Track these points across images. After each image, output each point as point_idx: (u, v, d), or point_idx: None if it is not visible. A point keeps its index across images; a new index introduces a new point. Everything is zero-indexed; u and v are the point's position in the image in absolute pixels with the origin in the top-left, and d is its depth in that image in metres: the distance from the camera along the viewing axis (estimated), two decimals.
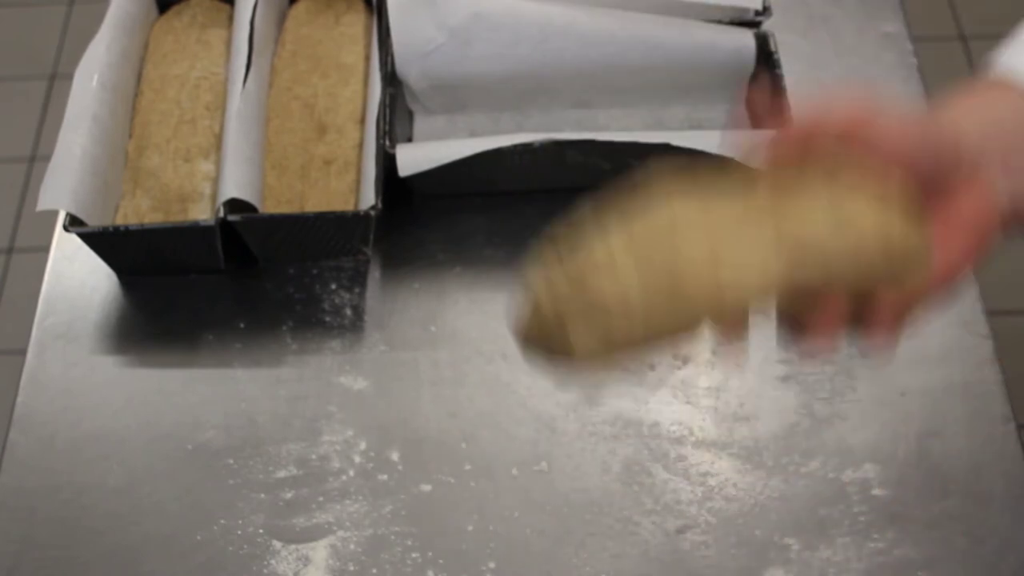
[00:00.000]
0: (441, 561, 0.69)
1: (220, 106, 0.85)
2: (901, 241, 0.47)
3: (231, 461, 0.74)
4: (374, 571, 0.69)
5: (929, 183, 0.49)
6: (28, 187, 1.75)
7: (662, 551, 0.69)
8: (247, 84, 0.81)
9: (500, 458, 0.73)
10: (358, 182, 0.81)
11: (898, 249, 0.47)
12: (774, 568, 0.69)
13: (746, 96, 0.77)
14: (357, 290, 0.81)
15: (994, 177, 0.50)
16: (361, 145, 0.83)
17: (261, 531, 0.71)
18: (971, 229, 0.49)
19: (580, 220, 0.49)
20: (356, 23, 0.90)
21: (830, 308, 0.48)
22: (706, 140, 0.79)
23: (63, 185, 0.76)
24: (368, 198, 0.77)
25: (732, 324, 0.48)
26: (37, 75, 1.88)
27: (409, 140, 0.87)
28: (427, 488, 0.72)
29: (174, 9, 0.91)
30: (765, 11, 0.85)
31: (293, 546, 0.70)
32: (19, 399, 0.77)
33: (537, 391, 0.76)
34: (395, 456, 0.74)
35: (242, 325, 0.79)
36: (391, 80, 0.83)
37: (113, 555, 0.71)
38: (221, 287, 0.81)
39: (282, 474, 0.73)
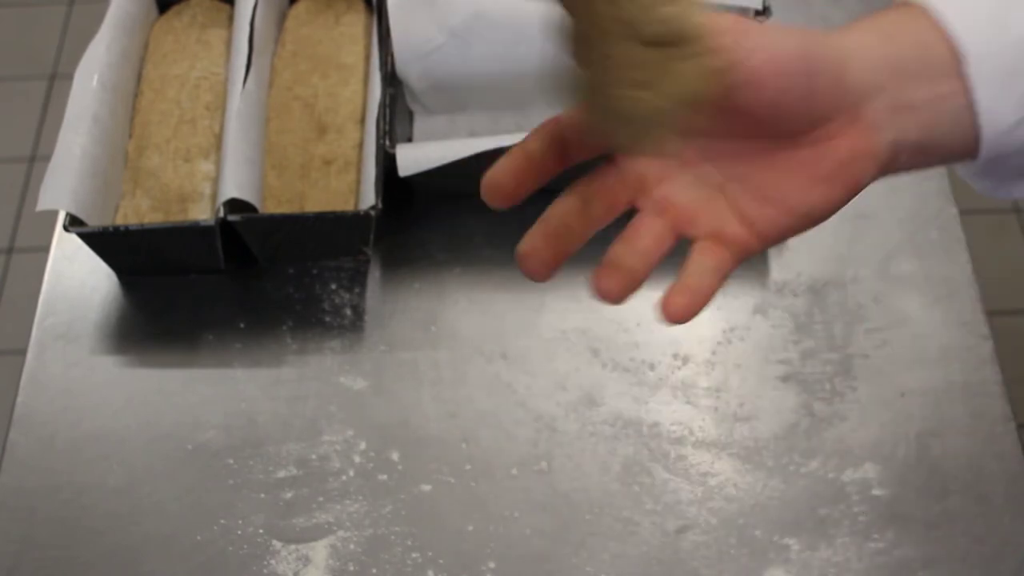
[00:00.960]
0: (441, 561, 0.69)
1: (220, 106, 0.85)
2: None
3: (231, 461, 0.74)
4: (374, 571, 0.69)
5: (793, 121, 0.43)
6: (28, 187, 1.76)
7: (662, 551, 0.69)
8: (247, 84, 0.81)
9: (500, 458, 0.73)
10: (358, 182, 0.81)
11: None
12: (774, 568, 0.69)
13: None
14: (357, 290, 0.81)
15: (879, 118, 0.44)
16: (361, 145, 0.83)
17: (261, 531, 0.71)
18: (841, 178, 0.44)
19: None
20: (356, 23, 0.90)
21: None
22: None
23: (63, 185, 0.76)
24: (368, 198, 0.77)
25: None
26: (37, 75, 1.89)
27: (409, 140, 0.87)
28: (427, 488, 0.72)
29: (174, 9, 0.91)
30: (765, 11, 0.85)
31: (293, 546, 0.70)
32: (19, 399, 0.77)
33: (537, 391, 0.76)
34: (395, 456, 0.74)
35: (242, 325, 0.79)
36: (391, 80, 0.83)
37: (113, 555, 0.71)
38: (221, 287, 0.81)
39: (282, 474, 0.73)
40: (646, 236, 0.47)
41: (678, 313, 0.45)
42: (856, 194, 0.45)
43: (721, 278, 0.46)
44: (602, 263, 0.47)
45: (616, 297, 0.47)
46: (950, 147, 0.46)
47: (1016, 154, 0.47)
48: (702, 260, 0.46)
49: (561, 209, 0.48)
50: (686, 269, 0.46)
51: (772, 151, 0.45)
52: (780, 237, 0.46)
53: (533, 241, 0.48)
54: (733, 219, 0.46)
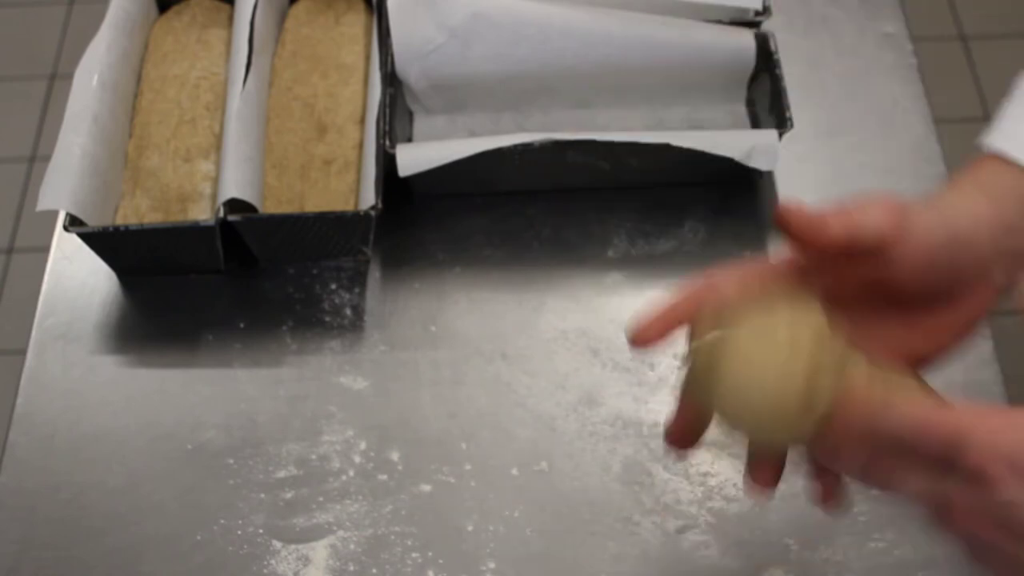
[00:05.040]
0: (441, 561, 0.69)
1: (220, 106, 0.85)
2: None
3: (231, 461, 0.74)
4: (374, 571, 0.69)
5: (941, 286, 0.49)
6: (28, 187, 1.76)
7: (662, 551, 0.69)
8: (247, 84, 0.81)
9: (500, 458, 0.73)
10: (358, 182, 0.81)
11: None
12: (774, 568, 0.69)
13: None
14: (357, 290, 0.81)
15: (999, 273, 0.50)
16: (361, 145, 0.83)
17: (261, 531, 0.71)
18: (970, 324, 0.50)
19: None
20: (356, 23, 0.90)
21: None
22: (706, 140, 0.79)
23: (63, 185, 0.76)
24: (368, 198, 0.77)
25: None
26: (37, 75, 1.88)
27: (409, 140, 0.87)
28: (427, 488, 0.72)
29: (174, 9, 0.91)
30: (765, 11, 0.85)
31: (293, 546, 0.70)
32: (19, 399, 0.77)
33: (537, 391, 0.76)
34: (395, 456, 0.74)
35: (242, 325, 0.79)
36: (391, 80, 0.83)
37: (113, 555, 0.71)
38: (221, 287, 0.81)
39: (282, 474, 0.73)
40: None
41: None
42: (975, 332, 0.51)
43: None
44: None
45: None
46: None
47: None
48: None
49: None
50: None
51: (909, 313, 0.50)
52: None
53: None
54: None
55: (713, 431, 0.74)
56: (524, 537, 0.70)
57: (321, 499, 0.72)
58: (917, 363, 0.51)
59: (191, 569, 0.70)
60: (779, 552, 0.69)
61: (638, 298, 0.80)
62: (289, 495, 0.72)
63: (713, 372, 0.47)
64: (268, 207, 0.80)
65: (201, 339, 0.79)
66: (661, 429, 0.74)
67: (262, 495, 0.72)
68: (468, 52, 0.84)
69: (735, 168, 0.79)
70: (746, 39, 0.85)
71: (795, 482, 0.72)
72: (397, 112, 0.84)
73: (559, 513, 0.71)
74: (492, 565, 0.69)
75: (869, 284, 0.49)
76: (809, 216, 0.47)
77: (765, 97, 0.84)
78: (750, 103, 0.87)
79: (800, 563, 0.68)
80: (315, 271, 0.81)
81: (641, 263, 0.81)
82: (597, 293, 0.80)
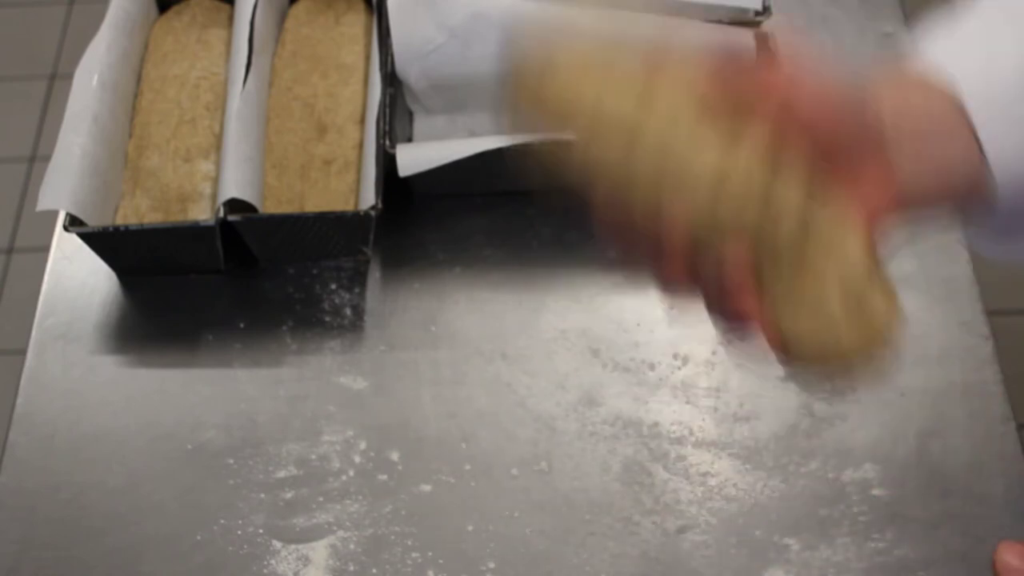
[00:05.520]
0: (441, 561, 0.69)
1: (220, 106, 0.85)
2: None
3: (231, 461, 0.74)
4: (374, 571, 0.69)
5: (838, 153, 0.49)
6: (28, 187, 1.76)
7: (662, 551, 0.69)
8: (247, 84, 0.81)
9: (500, 458, 0.73)
10: (358, 182, 0.81)
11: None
12: (774, 568, 0.69)
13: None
14: (357, 290, 0.81)
15: (900, 159, 0.50)
16: (361, 145, 0.83)
17: (261, 531, 0.71)
18: (870, 210, 0.49)
19: None
20: (356, 23, 0.90)
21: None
22: None
23: (63, 185, 0.76)
24: (368, 198, 0.77)
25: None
26: (37, 75, 1.88)
27: (409, 140, 0.87)
28: (427, 488, 0.72)
29: (174, 9, 0.91)
30: (765, 11, 0.85)
31: (293, 546, 0.70)
32: (19, 399, 0.77)
33: (537, 391, 0.76)
34: (395, 456, 0.74)
35: (242, 325, 0.79)
36: (391, 80, 0.83)
37: (113, 555, 0.71)
38: (221, 287, 0.81)
39: (282, 474, 0.73)
40: None
41: None
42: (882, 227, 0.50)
43: None
44: None
45: None
46: (965, 188, 0.52)
47: None
48: None
49: None
50: None
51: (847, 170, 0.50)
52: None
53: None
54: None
55: (713, 433, 0.74)
56: (524, 537, 0.70)
57: (321, 499, 0.72)
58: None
59: (191, 569, 0.70)
60: (779, 552, 0.69)
61: (638, 298, 0.80)
62: (289, 495, 0.72)
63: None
64: (268, 207, 0.80)
65: (201, 339, 0.79)
66: (662, 429, 0.74)
67: (262, 495, 0.72)
68: (468, 52, 0.84)
69: None
70: (746, 39, 0.85)
71: (795, 482, 0.72)
72: (397, 112, 0.84)
73: (559, 513, 0.71)
74: (492, 565, 0.69)
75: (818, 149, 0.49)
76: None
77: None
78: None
79: (800, 563, 0.69)
80: (315, 271, 0.81)
81: (641, 263, 0.81)
82: (597, 293, 0.80)
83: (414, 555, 0.70)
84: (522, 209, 0.84)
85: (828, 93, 0.49)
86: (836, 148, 0.49)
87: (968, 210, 0.54)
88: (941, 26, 0.54)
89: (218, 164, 0.81)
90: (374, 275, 0.81)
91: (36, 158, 1.79)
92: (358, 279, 0.81)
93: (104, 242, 0.79)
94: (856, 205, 0.49)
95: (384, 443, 0.74)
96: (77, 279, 0.82)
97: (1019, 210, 0.53)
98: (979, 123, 0.50)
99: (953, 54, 0.53)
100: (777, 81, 0.48)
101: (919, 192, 0.51)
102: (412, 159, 0.79)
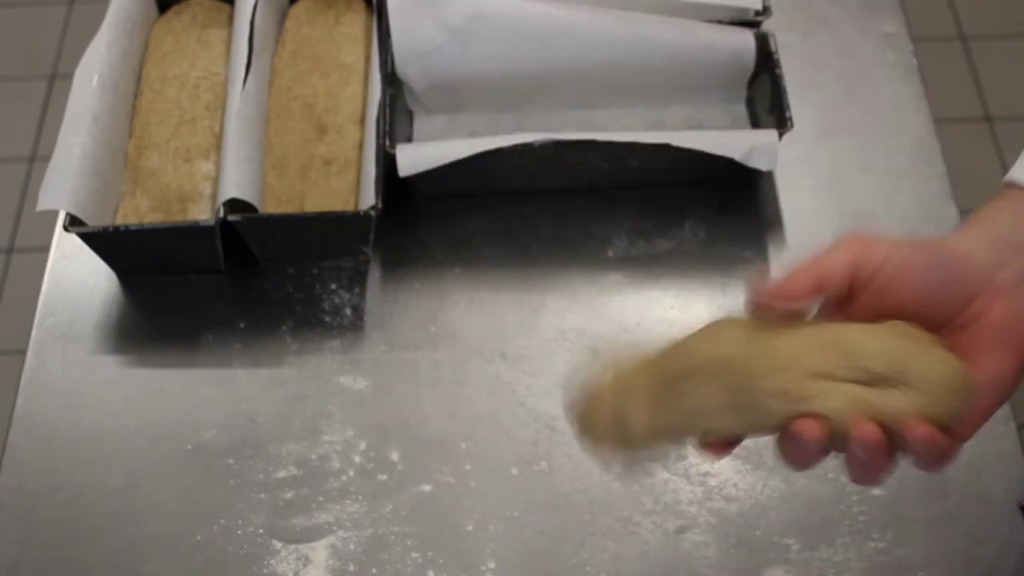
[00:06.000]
0: (441, 561, 0.69)
1: (220, 106, 0.85)
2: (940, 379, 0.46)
3: (231, 461, 0.74)
4: (374, 571, 0.69)
5: (945, 308, 0.49)
6: (28, 187, 1.75)
7: (662, 551, 0.69)
8: (247, 84, 0.81)
9: (500, 458, 0.73)
10: (358, 182, 0.81)
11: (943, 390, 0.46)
12: (774, 568, 0.69)
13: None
14: (357, 290, 0.81)
15: (1013, 284, 0.49)
16: (361, 145, 0.83)
17: (261, 531, 0.71)
18: (1007, 342, 0.48)
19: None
20: (356, 23, 0.90)
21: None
22: (706, 140, 0.79)
23: (63, 185, 0.76)
24: (368, 198, 0.77)
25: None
26: (37, 75, 1.88)
27: (409, 140, 0.87)
28: (427, 488, 0.72)
29: (174, 9, 0.91)
30: (765, 11, 0.85)
31: (293, 546, 0.70)
32: (19, 399, 0.77)
33: (537, 391, 0.76)
34: (395, 456, 0.73)
35: (242, 325, 0.79)
36: (391, 80, 0.83)
37: (113, 555, 0.71)
38: (221, 287, 0.81)
39: (282, 474, 0.73)
40: None
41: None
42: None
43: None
44: None
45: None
46: None
47: None
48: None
49: None
50: None
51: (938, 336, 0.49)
52: (981, 418, 0.48)
53: None
54: None
55: None
56: (524, 537, 0.70)
57: (321, 499, 0.72)
58: (982, 394, 0.49)
59: (191, 569, 0.70)
60: (779, 552, 0.69)
61: (638, 298, 0.80)
62: (289, 495, 0.72)
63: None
64: (268, 207, 0.80)
65: (201, 339, 0.79)
66: None
67: (262, 495, 0.72)
68: (468, 52, 0.84)
69: (735, 168, 0.79)
70: (746, 39, 0.85)
71: (795, 482, 0.72)
72: (397, 112, 0.84)
73: (559, 513, 0.71)
74: (492, 565, 0.69)
75: (886, 315, 0.49)
76: (775, 288, 0.48)
77: (765, 97, 0.84)
78: (750, 103, 0.87)
79: (800, 563, 0.68)
80: (315, 271, 0.81)
81: (641, 263, 0.81)
82: (597, 293, 0.80)
83: (414, 555, 0.70)
84: (522, 209, 0.84)
85: (907, 251, 0.48)
86: (938, 295, 0.48)
87: None
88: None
89: (218, 164, 0.81)
90: (374, 275, 0.81)
91: (36, 158, 1.78)
92: (358, 279, 0.81)
93: (104, 242, 0.79)
94: (991, 337, 0.48)
95: (384, 443, 0.74)
96: (77, 279, 0.82)
97: None
98: None
99: None
100: (853, 268, 0.48)
101: None
102: (412, 159, 0.79)
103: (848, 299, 0.49)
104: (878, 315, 0.48)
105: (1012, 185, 0.53)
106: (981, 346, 0.48)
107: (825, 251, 0.49)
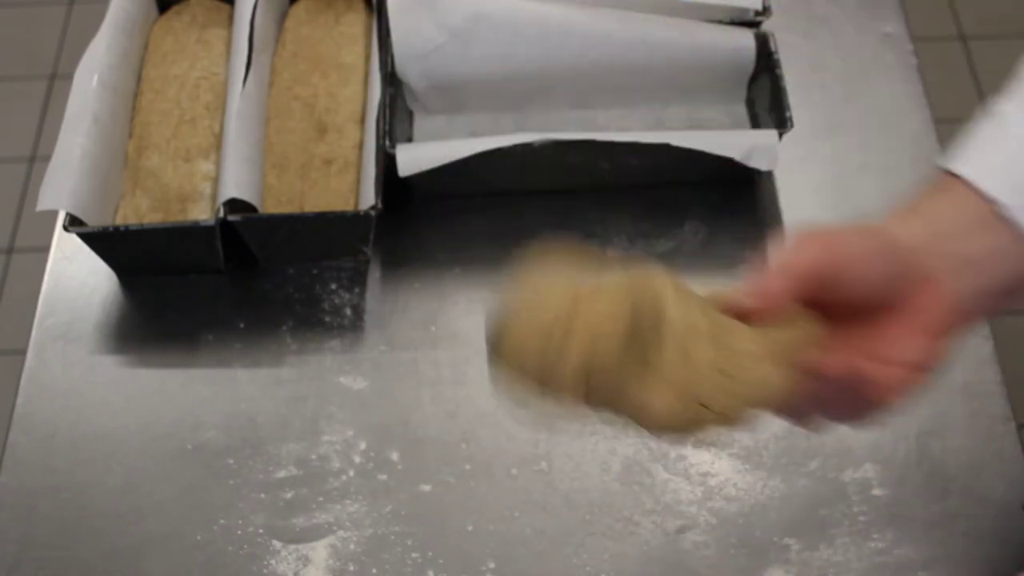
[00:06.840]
0: (441, 561, 0.69)
1: (220, 106, 0.85)
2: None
3: (231, 461, 0.74)
4: (374, 571, 0.69)
5: (886, 297, 0.51)
6: (28, 187, 1.75)
7: (662, 551, 0.69)
8: (247, 84, 0.81)
9: (500, 458, 0.73)
10: (358, 182, 0.81)
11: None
12: (774, 568, 0.69)
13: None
14: (357, 290, 0.81)
15: (946, 279, 0.52)
16: (361, 145, 0.83)
17: (261, 531, 0.71)
18: (931, 328, 0.51)
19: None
20: (356, 23, 0.90)
21: None
22: (706, 140, 0.79)
23: (63, 185, 0.76)
24: (368, 198, 0.77)
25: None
26: (37, 75, 1.88)
27: (409, 140, 0.87)
28: (427, 488, 0.72)
29: (174, 9, 0.91)
30: (765, 11, 0.85)
31: (293, 546, 0.70)
32: (19, 399, 0.77)
33: None
34: (395, 456, 0.74)
35: (242, 325, 0.79)
36: (391, 80, 0.83)
37: (113, 555, 0.71)
38: (221, 287, 0.81)
39: (282, 474, 0.73)
40: None
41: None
42: (949, 342, 0.53)
43: None
44: None
45: None
46: (1019, 281, 0.54)
47: None
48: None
49: None
50: None
51: (875, 321, 0.52)
52: (904, 396, 0.52)
53: None
54: None
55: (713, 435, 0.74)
56: (524, 537, 0.70)
57: (321, 499, 0.72)
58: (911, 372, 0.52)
59: (191, 569, 0.70)
60: (779, 552, 0.69)
61: None
62: (289, 495, 0.72)
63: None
64: (268, 207, 0.80)
65: (201, 339, 0.79)
66: None
67: (262, 495, 0.72)
68: (468, 52, 0.84)
69: (735, 168, 0.79)
70: (746, 39, 0.85)
71: (795, 482, 0.72)
72: (397, 112, 0.84)
73: (559, 513, 0.71)
74: (492, 565, 0.69)
75: (835, 305, 0.51)
76: (760, 293, 0.50)
77: (765, 97, 0.84)
78: (750, 103, 0.87)
79: (800, 563, 0.69)
80: (315, 271, 0.81)
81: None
82: None
83: (414, 555, 0.70)
84: (522, 209, 0.84)
85: (864, 250, 0.50)
86: (884, 289, 0.50)
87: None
88: (971, 148, 0.55)
89: (218, 164, 0.81)
90: (374, 275, 0.81)
91: (36, 158, 1.79)
92: (358, 279, 0.81)
93: (104, 242, 0.79)
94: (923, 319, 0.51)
95: (384, 443, 0.74)
96: (77, 279, 0.82)
97: None
98: (1016, 208, 0.52)
99: (981, 168, 0.54)
100: (817, 265, 0.49)
101: (974, 296, 0.53)
102: (412, 159, 0.79)
103: (817, 295, 0.50)
104: (828, 305, 0.51)
105: (953, 175, 0.54)
106: (906, 329, 0.51)
107: (790, 252, 0.50)
